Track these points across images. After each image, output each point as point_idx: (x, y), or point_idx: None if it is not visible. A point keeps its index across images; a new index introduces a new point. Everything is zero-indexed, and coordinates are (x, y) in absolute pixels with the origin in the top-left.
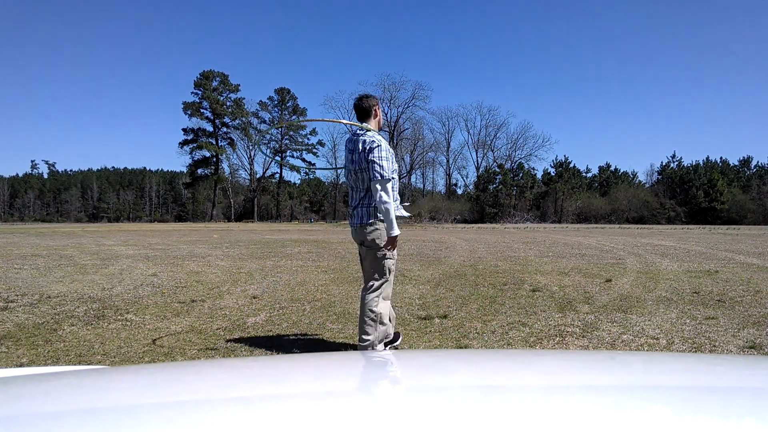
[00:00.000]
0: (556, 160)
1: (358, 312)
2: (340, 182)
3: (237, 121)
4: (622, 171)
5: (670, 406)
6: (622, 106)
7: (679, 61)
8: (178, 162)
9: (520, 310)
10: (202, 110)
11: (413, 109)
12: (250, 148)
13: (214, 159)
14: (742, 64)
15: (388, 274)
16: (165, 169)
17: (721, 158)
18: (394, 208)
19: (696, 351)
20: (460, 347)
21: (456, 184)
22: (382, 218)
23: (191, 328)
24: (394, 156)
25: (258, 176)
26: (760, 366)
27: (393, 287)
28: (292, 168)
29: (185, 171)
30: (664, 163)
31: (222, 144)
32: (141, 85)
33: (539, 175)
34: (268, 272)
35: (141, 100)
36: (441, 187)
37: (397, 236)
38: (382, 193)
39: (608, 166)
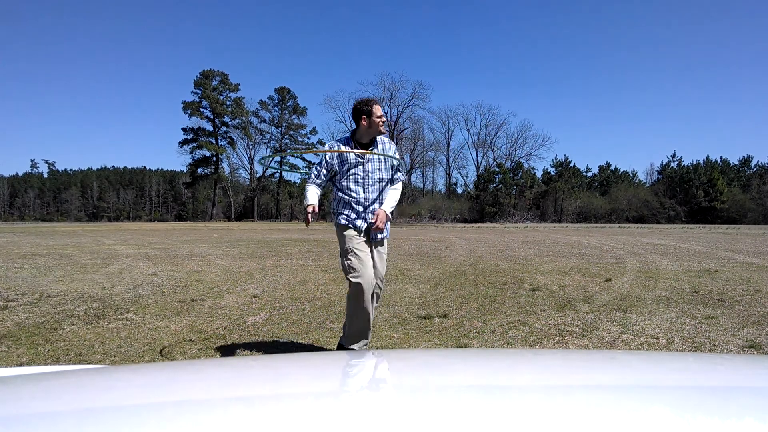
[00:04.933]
0: (556, 159)
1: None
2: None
3: (237, 121)
4: (622, 170)
5: (670, 405)
6: (622, 106)
7: (679, 61)
8: (178, 161)
9: (520, 310)
10: (202, 109)
11: (413, 109)
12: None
13: (214, 158)
14: (742, 64)
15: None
16: (165, 169)
17: (721, 158)
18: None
19: (696, 350)
20: (460, 347)
21: (456, 184)
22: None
23: (191, 327)
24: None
25: (258, 175)
26: (760, 366)
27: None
28: (292, 167)
29: (185, 170)
30: (664, 163)
31: (222, 143)
32: (141, 84)
33: (539, 174)
34: (268, 271)
35: (141, 99)
36: (441, 186)
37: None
38: None
39: (608, 165)
